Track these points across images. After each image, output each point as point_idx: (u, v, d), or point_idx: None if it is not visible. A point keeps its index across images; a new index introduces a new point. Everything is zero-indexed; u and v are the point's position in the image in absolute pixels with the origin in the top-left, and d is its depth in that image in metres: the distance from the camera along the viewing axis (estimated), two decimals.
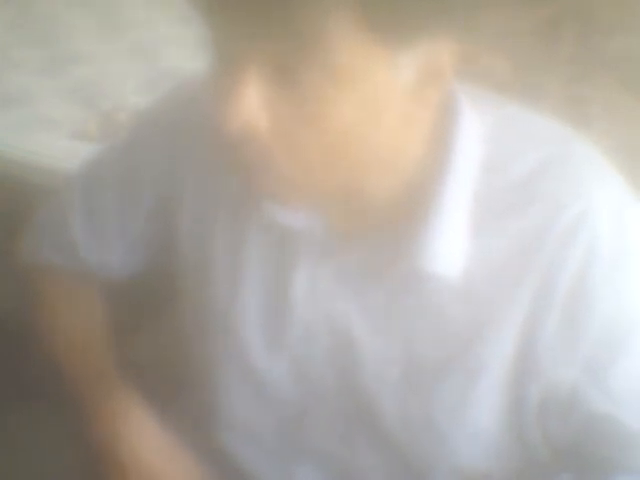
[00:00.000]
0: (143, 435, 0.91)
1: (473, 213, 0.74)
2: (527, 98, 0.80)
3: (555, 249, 0.72)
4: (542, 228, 0.72)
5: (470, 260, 0.74)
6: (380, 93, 0.67)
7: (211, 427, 0.91)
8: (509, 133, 0.76)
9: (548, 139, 0.77)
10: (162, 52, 1.72)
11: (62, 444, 1.04)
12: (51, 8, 1.89)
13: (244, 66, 0.65)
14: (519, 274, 0.73)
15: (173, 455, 0.91)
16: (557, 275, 0.72)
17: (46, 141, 1.46)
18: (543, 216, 0.72)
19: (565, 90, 1.36)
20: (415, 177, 0.75)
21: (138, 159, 0.91)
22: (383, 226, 0.77)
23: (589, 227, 0.72)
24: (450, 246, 0.73)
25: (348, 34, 0.63)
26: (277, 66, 0.65)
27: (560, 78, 1.38)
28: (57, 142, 1.46)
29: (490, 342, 0.74)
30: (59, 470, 1.05)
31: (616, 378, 0.73)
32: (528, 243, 0.73)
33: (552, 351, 0.73)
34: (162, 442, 0.91)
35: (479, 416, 0.77)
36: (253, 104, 0.66)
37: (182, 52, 1.71)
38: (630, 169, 0.78)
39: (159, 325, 1.11)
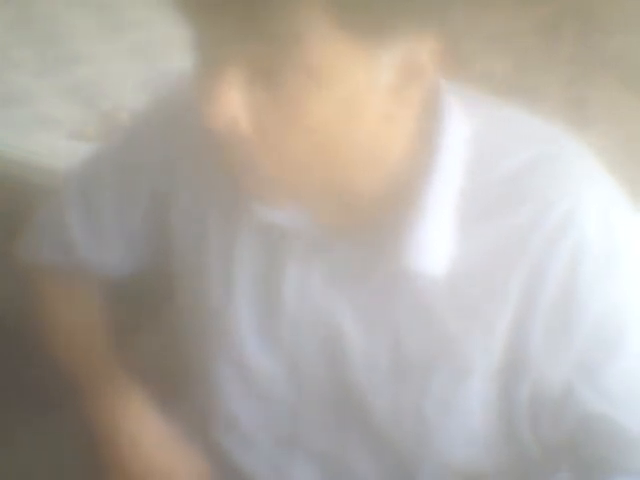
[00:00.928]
0: (144, 429, 0.91)
1: (461, 212, 0.74)
2: (527, 98, 0.80)
3: (543, 247, 0.72)
4: (530, 226, 0.72)
5: (458, 258, 0.74)
6: (360, 93, 0.67)
7: (208, 426, 0.91)
8: (498, 133, 0.76)
9: (538, 138, 0.77)
10: (162, 52, 1.72)
11: (62, 443, 1.04)
12: (51, 8, 1.88)
13: (225, 68, 0.66)
14: (507, 272, 0.73)
15: (174, 449, 0.91)
16: (545, 273, 0.72)
17: (46, 141, 1.46)
18: (531, 214, 0.72)
19: (565, 90, 1.36)
20: (401, 176, 0.75)
21: (134, 159, 0.91)
22: (370, 224, 0.77)
23: (577, 225, 0.72)
24: (436, 245, 0.74)
25: (325, 34, 0.63)
26: (257, 68, 0.65)
27: (560, 78, 1.38)
28: (57, 142, 1.46)
29: (478, 340, 0.74)
30: (59, 470, 1.05)
31: (610, 378, 0.73)
32: (516, 241, 0.73)
33: (542, 349, 0.73)
34: (163, 436, 0.91)
35: (469, 412, 0.77)
36: (235, 105, 0.66)
37: (182, 52, 1.70)
38: (630, 169, 0.78)
39: (158, 325, 1.11)
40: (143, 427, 0.91)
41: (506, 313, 0.73)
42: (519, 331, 0.73)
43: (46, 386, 0.98)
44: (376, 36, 0.65)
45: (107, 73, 1.66)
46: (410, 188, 0.74)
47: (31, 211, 1.03)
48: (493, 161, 0.75)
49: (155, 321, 1.13)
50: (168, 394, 0.97)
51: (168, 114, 0.88)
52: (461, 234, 0.74)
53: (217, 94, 0.66)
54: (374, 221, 0.77)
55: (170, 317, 0.95)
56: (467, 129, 0.75)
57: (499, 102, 0.79)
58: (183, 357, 0.93)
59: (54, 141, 1.46)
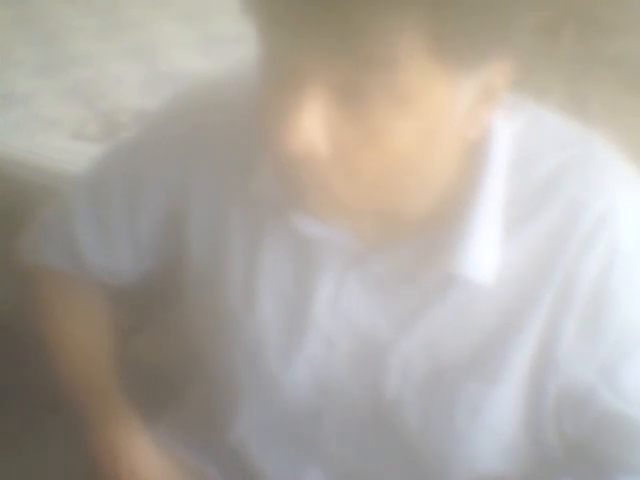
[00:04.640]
0: (142, 452, 0.91)
1: (503, 217, 0.74)
2: (528, 97, 0.80)
3: (577, 250, 0.72)
4: (564, 229, 0.72)
5: (500, 264, 0.74)
6: (441, 116, 0.67)
7: (224, 428, 0.91)
8: (533, 134, 0.76)
9: (570, 140, 0.77)
10: (162, 52, 1.72)
11: (65, 446, 1.04)
12: (51, 8, 1.89)
13: (307, 90, 0.64)
14: (542, 276, 0.73)
15: (171, 474, 0.91)
16: (578, 275, 0.72)
17: (46, 141, 1.46)
18: (565, 216, 0.72)
19: (565, 90, 1.36)
20: (450, 187, 0.75)
21: (147, 164, 0.89)
22: (416, 235, 0.76)
23: (610, 227, 0.72)
24: (484, 251, 0.73)
25: (415, 61, 0.62)
26: (341, 84, 0.64)
27: (560, 78, 1.38)
28: (57, 142, 1.46)
29: (513, 345, 0.74)
30: (62, 472, 1.05)
31: (629, 376, 0.74)
32: (551, 244, 0.73)
33: (570, 352, 0.73)
34: (160, 461, 0.91)
35: (498, 418, 0.77)
36: (314, 128, 0.65)
37: (182, 52, 1.71)
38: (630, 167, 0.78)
39: (162, 326, 1.11)
40: (141, 450, 0.91)
41: (540, 316, 0.73)
42: (551, 334, 0.73)
43: (48, 388, 0.98)
44: (466, 66, 0.65)
45: (107, 73, 1.66)
46: (460, 199, 0.74)
47: (31, 211, 1.02)
48: (529, 164, 0.75)
49: (159, 322, 1.13)
50: (167, 393, 0.97)
51: (186, 121, 0.86)
52: (503, 240, 0.74)
53: (297, 116, 0.64)
54: (421, 231, 0.76)
55: (175, 319, 0.94)
56: (509, 134, 0.75)
57: (529, 103, 0.79)
58: (192, 359, 0.93)
59: (54, 141, 1.46)
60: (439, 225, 0.75)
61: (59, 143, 1.45)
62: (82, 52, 1.73)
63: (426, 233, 0.76)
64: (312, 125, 0.65)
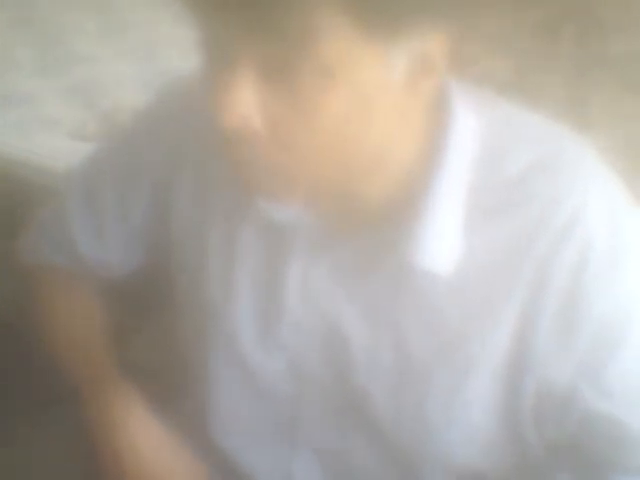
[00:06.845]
0: (142, 432, 0.91)
1: (467, 210, 0.74)
2: (527, 98, 0.80)
3: (550, 245, 0.72)
4: (537, 225, 0.72)
5: (464, 257, 0.74)
6: (372, 89, 0.67)
7: (208, 425, 0.91)
8: (504, 131, 0.76)
9: (543, 137, 0.77)
10: (162, 53, 1.72)
11: (63, 441, 1.04)
12: (51, 9, 1.89)
13: (238, 67, 0.66)
14: (514, 270, 0.73)
15: (173, 452, 0.91)
16: (551, 271, 0.72)
17: (46, 141, 1.47)
18: (538, 213, 0.73)
19: (565, 90, 1.37)
20: (408, 174, 0.75)
21: (135, 156, 0.91)
22: (377, 222, 0.77)
23: (583, 223, 0.72)
24: (442, 243, 0.74)
25: (337, 31, 0.63)
26: (270, 66, 0.65)
27: (560, 78, 1.38)
28: (57, 142, 1.46)
29: (484, 338, 0.74)
30: (60, 468, 1.05)
31: (613, 377, 0.73)
32: (523, 240, 0.73)
33: (547, 348, 0.73)
34: (162, 439, 0.91)
35: (472, 412, 0.77)
36: (248, 104, 0.66)
37: (182, 52, 1.71)
38: (630, 168, 0.78)
39: (159, 325, 1.11)
40: (141, 431, 0.91)
41: (512, 312, 0.73)
42: (525, 329, 0.73)
43: (46, 384, 0.98)
44: (390, 34, 0.65)
45: (107, 73, 1.66)
46: (417, 186, 0.74)
47: (31, 211, 1.03)
48: (500, 161, 0.75)
49: (155, 321, 1.13)
50: (167, 394, 0.97)
51: (169, 112, 0.88)
52: (468, 233, 0.74)
53: (229, 93, 0.66)
54: (381, 219, 0.76)
55: (170, 317, 0.95)
56: (475, 128, 0.75)
57: (505, 101, 0.79)
58: (182, 357, 0.93)
59: (54, 141, 1.47)
60: (399, 212, 0.75)
61: (59, 143, 1.46)
62: (82, 53, 1.74)
63: (387, 220, 0.76)
64: (245, 101, 0.66)
